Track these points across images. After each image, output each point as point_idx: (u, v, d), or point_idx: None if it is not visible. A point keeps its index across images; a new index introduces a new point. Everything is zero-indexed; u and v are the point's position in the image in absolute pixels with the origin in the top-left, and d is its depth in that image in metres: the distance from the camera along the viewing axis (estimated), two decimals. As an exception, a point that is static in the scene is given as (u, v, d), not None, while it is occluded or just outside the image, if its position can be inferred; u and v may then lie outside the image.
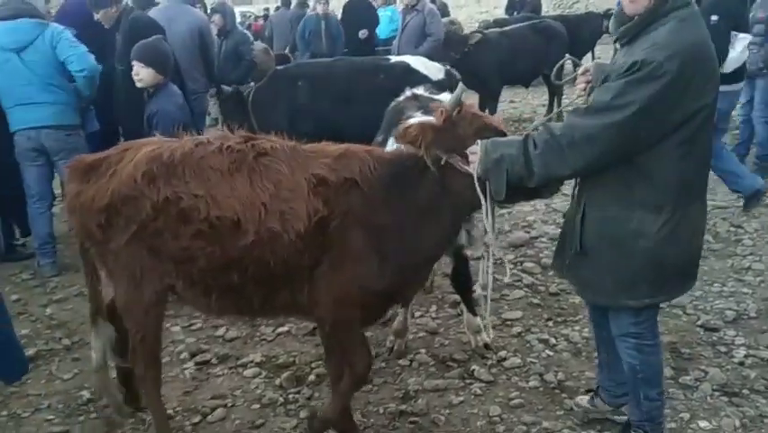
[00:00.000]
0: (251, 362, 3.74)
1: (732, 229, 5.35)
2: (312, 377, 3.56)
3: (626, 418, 2.97)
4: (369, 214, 2.64)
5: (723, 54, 5.15)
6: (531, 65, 8.90)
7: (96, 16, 5.27)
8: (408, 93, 3.64)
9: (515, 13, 14.52)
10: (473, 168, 2.57)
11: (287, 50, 12.07)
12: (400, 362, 3.67)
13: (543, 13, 14.48)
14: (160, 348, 2.99)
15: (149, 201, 2.62)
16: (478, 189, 2.57)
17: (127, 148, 2.82)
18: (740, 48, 5.49)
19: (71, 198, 2.82)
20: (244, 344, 3.98)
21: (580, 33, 10.84)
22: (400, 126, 2.76)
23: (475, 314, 3.78)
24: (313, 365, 3.68)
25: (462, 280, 3.75)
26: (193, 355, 3.84)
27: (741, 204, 5.89)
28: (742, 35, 5.54)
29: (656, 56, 2.35)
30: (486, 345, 3.74)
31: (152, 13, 6.09)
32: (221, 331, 4.11)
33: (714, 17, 5.90)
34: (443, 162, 2.63)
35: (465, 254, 3.67)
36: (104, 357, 3.04)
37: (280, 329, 4.07)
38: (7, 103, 4.86)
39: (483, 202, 2.59)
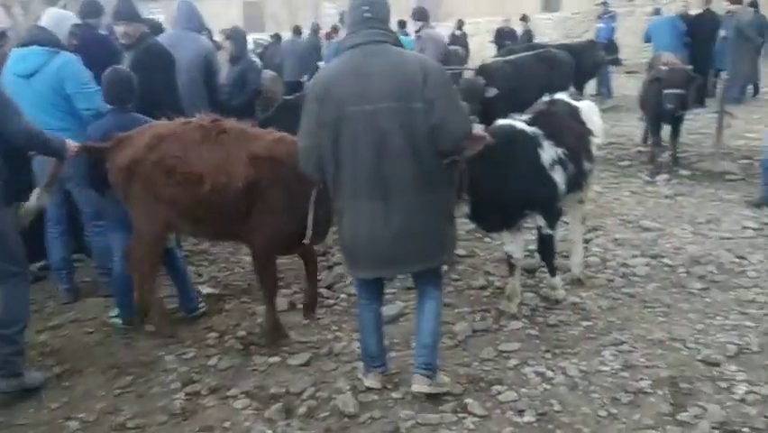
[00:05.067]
0: (242, 393, 3.69)
1: (736, 260, 5.26)
2: (302, 409, 3.50)
3: None
4: (285, 182, 3.81)
5: None
6: (534, 94, 8.88)
7: (118, 29, 5.32)
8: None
9: (506, 43, 14.75)
10: None
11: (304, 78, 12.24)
12: (393, 395, 3.60)
13: (551, 43, 14.56)
14: (157, 264, 4.32)
15: (149, 161, 3.90)
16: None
17: (147, 128, 4.09)
18: None
19: (111, 165, 4.05)
20: (236, 373, 3.93)
21: (582, 62, 10.85)
22: None
23: (554, 275, 4.64)
24: (304, 396, 3.63)
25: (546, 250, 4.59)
26: (184, 385, 3.80)
27: (745, 234, 5.84)
28: None
29: None
30: (556, 300, 4.61)
31: (160, 39, 6.14)
32: (213, 361, 4.06)
33: None
34: None
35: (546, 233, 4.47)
36: None
37: (272, 359, 4.03)
38: None
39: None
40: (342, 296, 4.91)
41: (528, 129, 4.37)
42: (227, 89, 6.77)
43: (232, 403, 3.61)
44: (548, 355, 3.96)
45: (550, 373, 3.74)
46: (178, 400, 3.65)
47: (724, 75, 10.13)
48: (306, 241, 3.80)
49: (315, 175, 3.45)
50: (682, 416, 3.32)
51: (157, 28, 6.98)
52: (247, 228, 3.99)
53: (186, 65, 5.90)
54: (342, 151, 3.23)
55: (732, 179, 7.59)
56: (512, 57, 9.64)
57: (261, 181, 3.85)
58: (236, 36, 7.06)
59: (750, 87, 12.65)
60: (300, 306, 4.80)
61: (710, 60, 11.58)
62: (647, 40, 11.77)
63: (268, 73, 8.56)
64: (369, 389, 3.65)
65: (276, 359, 4.04)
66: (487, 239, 5.88)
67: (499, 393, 3.56)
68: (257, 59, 8.52)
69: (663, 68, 7.85)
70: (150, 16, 11.97)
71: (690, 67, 8.08)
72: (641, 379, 3.65)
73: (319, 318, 4.56)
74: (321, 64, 10.74)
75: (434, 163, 3.29)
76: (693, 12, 12.34)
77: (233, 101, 6.35)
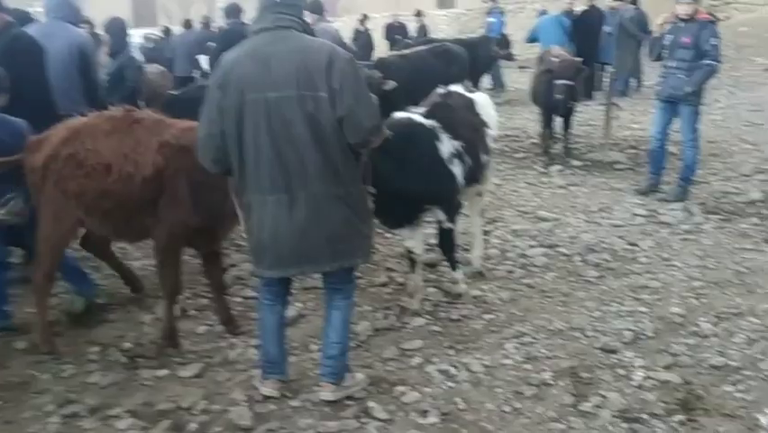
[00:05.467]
0: (126, 411, 3.38)
1: (628, 247, 5.41)
2: (193, 425, 3.24)
3: None
4: (193, 171, 3.56)
5: None
6: (431, 88, 8.87)
7: None
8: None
9: (396, 38, 14.83)
10: None
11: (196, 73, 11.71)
12: (292, 403, 3.41)
13: (446, 38, 14.69)
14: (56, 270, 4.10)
15: (62, 156, 3.77)
16: None
17: (63, 125, 3.93)
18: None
19: (28, 168, 3.89)
20: (120, 390, 3.60)
21: (477, 56, 10.99)
22: None
23: (456, 269, 4.55)
24: (195, 411, 3.37)
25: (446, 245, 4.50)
26: (60, 407, 3.44)
27: (635, 222, 6.02)
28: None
29: None
30: (459, 294, 4.55)
31: (30, 30, 5.64)
32: (95, 377, 3.71)
33: None
34: None
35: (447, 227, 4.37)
36: None
37: (161, 372, 3.74)
38: None
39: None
40: (238, 299, 4.65)
41: (426, 122, 4.28)
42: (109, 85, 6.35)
43: (114, 424, 3.29)
44: (451, 352, 3.88)
45: (453, 371, 3.66)
46: (52, 423, 3.30)
47: (610, 69, 10.54)
48: (240, 225, 3.48)
49: (212, 168, 3.22)
50: (584, 406, 3.32)
51: (24, 18, 6.41)
52: (154, 221, 3.80)
53: (57, 57, 5.44)
54: (244, 141, 3.03)
55: (621, 169, 7.86)
56: (408, 51, 9.62)
57: (168, 170, 3.70)
58: (113, 28, 6.62)
59: (633, 81, 13.23)
60: (192, 312, 4.54)
61: (596, 55, 12.01)
62: (533, 38, 12.12)
63: (155, 68, 8.14)
64: (266, 398, 3.45)
65: (165, 372, 3.75)
66: (388, 234, 5.77)
67: (403, 394, 3.45)
68: (138, 54, 8.07)
69: (554, 59, 8.03)
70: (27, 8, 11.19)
71: (579, 59, 8.30)
72: (543, 371, 3.64)
73: (212, 325, 4.29)
74: (200, 57, 10.34)
75: (342, 156, 3.09)
76: (578, 8, 12.76)
77: (111, 97, 5.91)
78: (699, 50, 6.24)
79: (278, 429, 3.21)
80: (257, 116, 3.00)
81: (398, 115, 4.35)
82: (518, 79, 15.03)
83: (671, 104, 6.52)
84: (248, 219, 3.23)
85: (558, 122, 8.45)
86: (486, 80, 13.53)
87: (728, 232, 5.77)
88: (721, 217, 6.07)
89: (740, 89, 12.96)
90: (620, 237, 5.60)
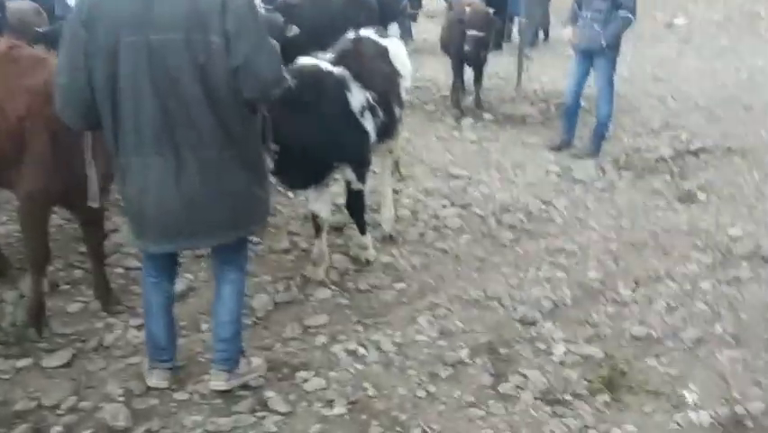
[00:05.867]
0: (-25, 413, 2.85)
1: (543, 207, 5.21)
2: (57, 428, 2.75)
3: None
4: (57, 124, 2.89)
5: None
6: (338, 35, 8.36)
7: None
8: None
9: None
10: None
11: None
12: (177, 396, 2.96)
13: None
14: None
15: None
16: None
17: None
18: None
19: None
20: (-30, 387, 3.05)
21: (386, 4, 10.50)
22: None
23: (365, 233, 4.21)
24: (61, 410, 2.86)
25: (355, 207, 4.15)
26: None
27: (549, 179, 5.84)
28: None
29: None
30: (367, 261, 4.21)
31: None
32: (-63, 371, 3.13)
33: None
34: None
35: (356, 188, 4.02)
36: None
37: (22, 362, 3.18)
38: None
39: None
40: (119, 271, 4.10)
41: (335, 69, 3.82)
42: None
43: (-42, 430, 2.77)
44: (360, 328, 3.54)
45: (362, 351, 3.32)
46: None
47: (522, 20, 10.30)
48: (93, 203, 3.05)
49: (75, 123, 2.70)
50: (504, 387, 3.07)
51: None
52: (18, 176, 3.26)
53: None
54: (120, 93, 2.53)
55: (532, 123, 7.67)
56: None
57: (30, 120, 3.14)
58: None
59: (541, 33, 13.11)
60: (64, 287, 3.96)
61: (505, 6, 11.77)
62: None
63: (25, 4, 7.17)
64: (149, 389, 2.99)
65: (26, 361, 3.19)
66: (291, 194, 5.31)
67: (305, 381, 3.08)
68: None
69: (466, 9, 7.67)
70: None
71: (491, 9, 7.98)
72: (459, 347, 3.37)
73: (87, 302, 3.74)
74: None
75: (237, 112, 2.65)
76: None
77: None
78: (614, 1, 6.03)
79: (159, 430, 2.77)
80: (136, 64, 2.48)
81: (304, 61, 3.87)
82: (427, 29, 14.63)
83: (587, 56, 6.32)
84: (124, 184, 2.72)
85: (469, 73, 8.14)
86: (393, 29, 13.05)
87: (641, 189, 5.69)
88: (633, 174, 5.99)
89: (644, 45, 13.07)
90: (535, 196, 5.39)
